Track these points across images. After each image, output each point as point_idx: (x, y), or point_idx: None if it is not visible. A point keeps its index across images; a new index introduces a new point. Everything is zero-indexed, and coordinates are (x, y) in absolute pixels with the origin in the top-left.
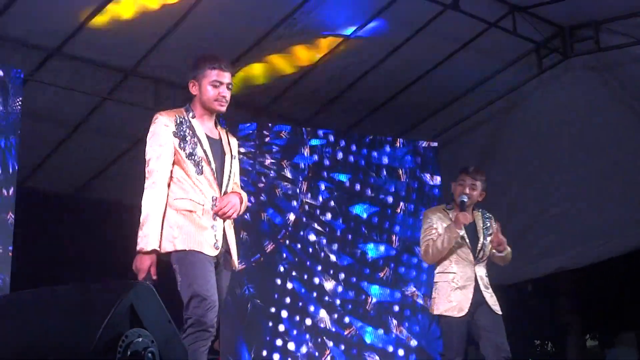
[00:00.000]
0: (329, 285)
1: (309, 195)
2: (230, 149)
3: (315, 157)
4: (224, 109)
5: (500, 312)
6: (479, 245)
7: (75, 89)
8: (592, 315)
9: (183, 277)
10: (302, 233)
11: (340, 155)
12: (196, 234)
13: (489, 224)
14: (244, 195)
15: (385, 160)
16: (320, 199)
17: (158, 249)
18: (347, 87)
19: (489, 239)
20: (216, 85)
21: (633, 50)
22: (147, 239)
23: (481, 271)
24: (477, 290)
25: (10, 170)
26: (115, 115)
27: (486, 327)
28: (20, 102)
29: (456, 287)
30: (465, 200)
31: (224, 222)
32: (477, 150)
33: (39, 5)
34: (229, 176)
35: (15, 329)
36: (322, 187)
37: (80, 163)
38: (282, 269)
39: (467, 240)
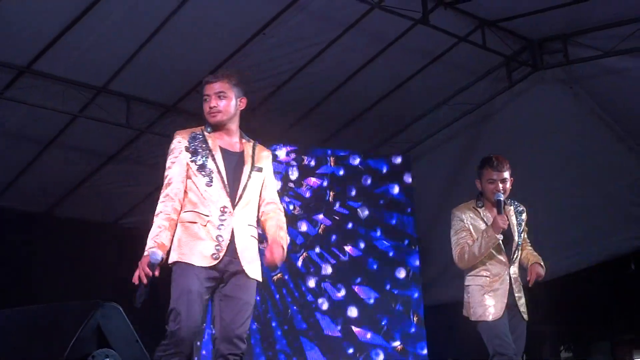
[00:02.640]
0: None
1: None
2: (253, 161)
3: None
4: (215, 119)
5: (527, 319)
6: (514, 245)
7: (46, 107)
8: (567, 326)
9: (172, 288)
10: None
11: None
12: (192, 245)
13: (521, 219)
14: (285, 240)
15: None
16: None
17: (155, 257)
18: (320, 102)
19: (523, 235)
20: (206, 100)
21: (601, 63)
22: (147, 245)
23: (515, 272)
24: (510, 293)
25: None
26: (87, 133)
27: (512, 332)
28: None
29: (490, 290)
30: (502, 198)
31: (233, 233)
32: (450, 162)
33: (8, 23)
34: (245, 187)
35: None
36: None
37: (52, 181)
38: None
39: (501, 243)
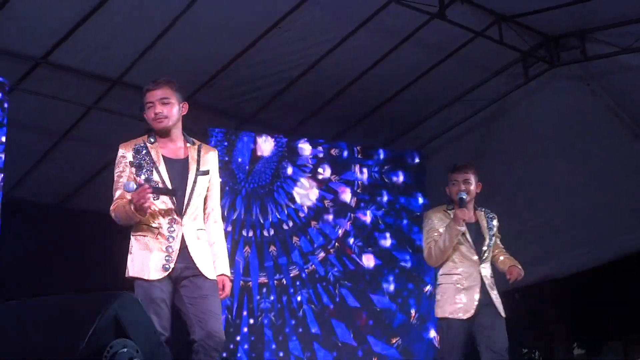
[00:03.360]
0: None
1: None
2: (198, 165)
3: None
4: (162, 125)
5: (504, 315)
6: (484, 245)
7: (61, 99)
8: (579, 324)
9: None
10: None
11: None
12: (144, 259)
13: (492, 224)
14: (220, 241)
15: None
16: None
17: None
18: (333, 97)
19: (493, 238)
20: (150, 106)
21: (619, 59)
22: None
23: (486, 271)
24: (483, 291)
25: None
26: (101, 125)
27: (487, 326)
28: (6, 112)
29: (462, 289)
30: (464, 197)
31: (183, 242)
32: (465, 159)
33: (24, 15)
34: (191, 195)
35: None
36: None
37: (66, 173)
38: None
39: (469, 239)
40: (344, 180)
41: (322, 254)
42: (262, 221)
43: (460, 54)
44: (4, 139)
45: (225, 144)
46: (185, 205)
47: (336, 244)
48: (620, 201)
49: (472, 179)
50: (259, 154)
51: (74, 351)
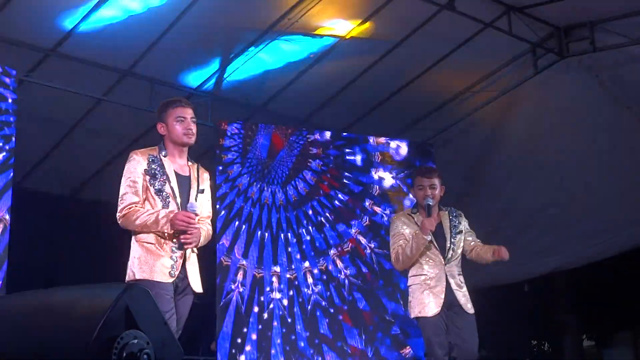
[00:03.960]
0: None
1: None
2: (198, 184)
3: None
4: (190, 141)
5: (472, 311)
6: (448, 245)
7: (71, 90)
8: (589, 315)
9: None
10: None
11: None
12: (152, 262)
13: (457, 222)
14: (206, 229)
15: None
16: None
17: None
18: (343, 88)
19: (458, 237)
20: (181, 121)
21: (629, 50)
22: (159, 215)
23: (452, 271)
24: (448, 290)
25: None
26: (111, 116)
27: (457, 328)
28: (15, 103)
29: (428, 288)
30: (431, 203)
31: (184, 251)
32: (474, 150)
33: (34, 6)
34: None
35: (9, 331)
36: None
37: (76, 164)
38: None
39: (435, 243)
40: (360, 182)
41: (335, 253)
42: (278, 215)
43: (470, 45)
44: (13, 130)
45: (242, 135)
46: None
47: (350, 244)
48: (629, 192)
49: (437, 183)
50: (277, 146)
51: (85, 342)
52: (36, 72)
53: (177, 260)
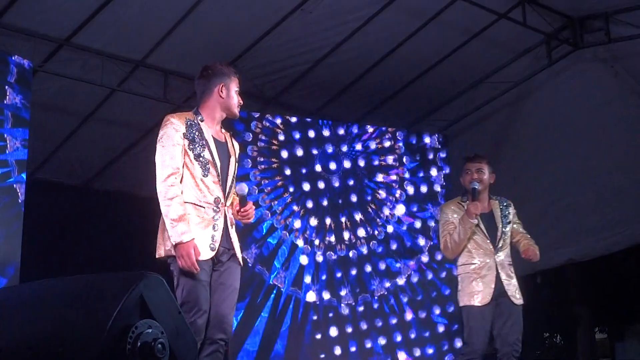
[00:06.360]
0: None
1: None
2: (235, 152)
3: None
4: (239, 113)
5: (520, 302)
6: (498, 234)
7: (85, 80)
8: (602, 308)
9: (179, 281)
10: None
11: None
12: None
13: (507, 212)
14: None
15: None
16: None
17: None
18: (357, 79)
19: (508, 226)
20: (237, 92)
21: None
22: (180, 229)
23: (502, 260)
24: (498, 279)
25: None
26: (125, 107)
27: (503, 318)
28: (30, 93)
29: (478, 277)
30: (477, 186)
31: (225, 223)
32: (488, 141)
33: None
34: (232, 178)
35: (25, 320)
36: None
37: (90, 154)
38: None
39: (484, 229)
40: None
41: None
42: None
43: (484, 35)
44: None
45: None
46: (228, 188)
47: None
48: None
49: (486, 169)
50: (318, 143)
51: (100, 331)
52: (50, 62)
53: (217, 232)
